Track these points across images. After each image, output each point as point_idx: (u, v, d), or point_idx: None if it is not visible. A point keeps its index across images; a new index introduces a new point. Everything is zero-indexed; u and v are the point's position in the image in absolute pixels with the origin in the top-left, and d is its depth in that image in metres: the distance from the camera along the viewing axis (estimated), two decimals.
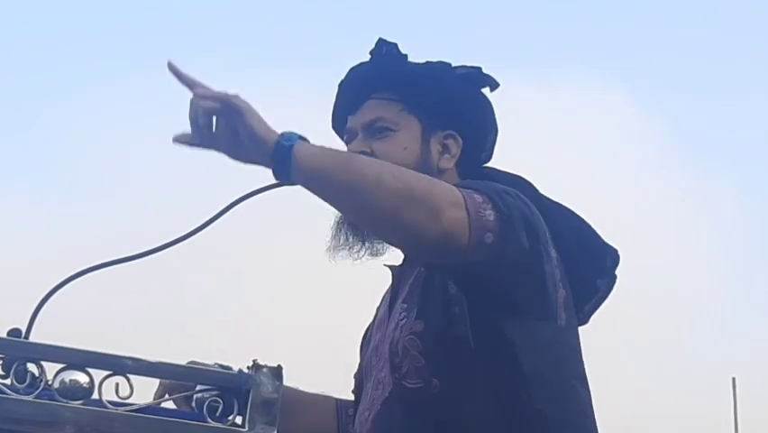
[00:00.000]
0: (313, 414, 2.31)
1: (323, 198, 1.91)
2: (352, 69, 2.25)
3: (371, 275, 2.29)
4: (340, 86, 2.27)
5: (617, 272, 2.19)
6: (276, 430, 1.74)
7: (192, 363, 2.03)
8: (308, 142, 1.92)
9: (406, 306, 2.07)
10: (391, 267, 2.21)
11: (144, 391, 1.95)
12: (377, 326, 2.19)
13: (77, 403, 1.70)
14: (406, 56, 2.23)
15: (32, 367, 1.72)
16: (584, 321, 2.16)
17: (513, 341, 1.96)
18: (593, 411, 2.04)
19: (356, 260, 2.19)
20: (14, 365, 1.72)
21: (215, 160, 1.95)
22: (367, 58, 2.25)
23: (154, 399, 1.84)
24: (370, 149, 2.15)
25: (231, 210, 2.02)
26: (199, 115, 1.88)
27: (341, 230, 2.18)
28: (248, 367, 1.77)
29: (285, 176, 1.89)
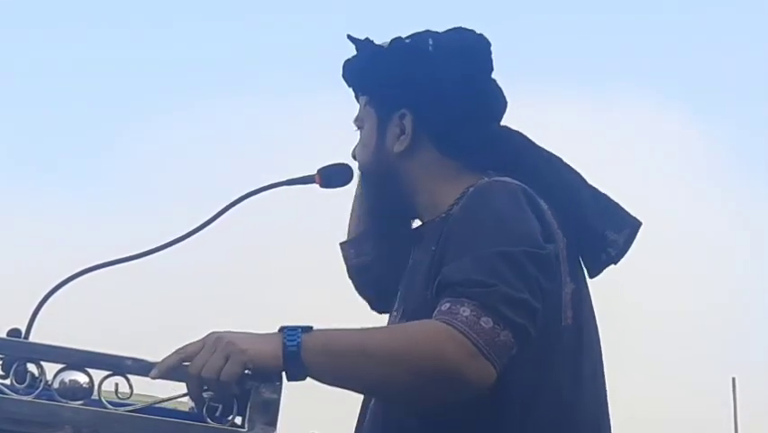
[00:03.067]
0: None
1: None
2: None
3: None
4: None
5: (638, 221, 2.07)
6: (276, 431, 1.73)
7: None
8: (311, 332, 1.80)
9: (397, 304, 2.05)
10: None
11: (144, 390, 1.95)
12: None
13: (76, 403, 1.70)
14: (373, 47, 2.10)
15: (31, 367, 1.72)
16: (595, 274, 2.07)
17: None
18: (579, 414, 1.94)
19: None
20: (14, 365, 1.72)
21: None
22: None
23: None
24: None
25: (229, 211, 2.03)
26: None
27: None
28: (248, 367, 1.76)
29: (300, 378, 1.80)
